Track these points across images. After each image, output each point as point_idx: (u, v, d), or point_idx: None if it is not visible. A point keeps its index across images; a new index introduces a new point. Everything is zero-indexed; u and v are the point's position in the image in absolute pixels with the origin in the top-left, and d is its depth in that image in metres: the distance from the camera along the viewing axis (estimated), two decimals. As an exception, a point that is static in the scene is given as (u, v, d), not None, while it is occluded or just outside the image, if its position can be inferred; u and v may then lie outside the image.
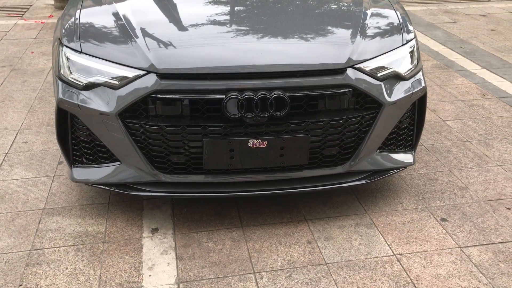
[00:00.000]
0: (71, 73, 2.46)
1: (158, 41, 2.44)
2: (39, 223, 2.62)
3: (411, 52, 2.67)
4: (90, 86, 2.40)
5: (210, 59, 2.37)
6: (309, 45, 2.53)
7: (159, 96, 2.31)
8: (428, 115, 3.89)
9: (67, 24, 2.66)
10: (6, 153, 3.27)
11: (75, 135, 2.54)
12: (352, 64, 2.44)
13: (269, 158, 2.40)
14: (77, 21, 2.63)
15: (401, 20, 2.80)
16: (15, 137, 3.46)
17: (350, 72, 2.42)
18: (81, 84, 2.42)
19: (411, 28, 2.80)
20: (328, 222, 2.66)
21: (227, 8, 2.85)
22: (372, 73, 2.47)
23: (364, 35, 2.59)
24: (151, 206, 2.75)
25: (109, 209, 2.74)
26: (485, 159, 3.28)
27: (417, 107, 2.71)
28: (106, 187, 2.55)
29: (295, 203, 2.79)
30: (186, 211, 2.72)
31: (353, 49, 2.48)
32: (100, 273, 2.29)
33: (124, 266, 2.33)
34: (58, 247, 2.45)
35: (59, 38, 2.65)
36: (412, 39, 2.72)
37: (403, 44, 2.65)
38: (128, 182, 2.51)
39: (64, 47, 2.53)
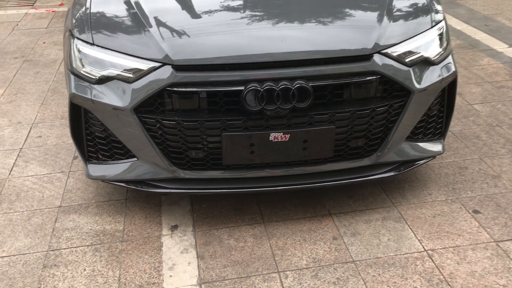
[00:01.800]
0: (83, 66, 2.36)
1: (173, 30, 2.31)
2: (55, 222, 2.55)
3: (440, 35, 2.51)
4: (103, 80, 2.30)
5: (228, 48, 2.24)
6: (333, 30, 2.38)
7: (175, 89, 2.19)
8: (454, 99, 3.72)
9: (78, 15, 2.55)
10: (21, 148, 3.20)
11: (90, 131, 2.45)
12: (379, 49, 2.29)
13: (291, 152, 2.28)
14: (88, 11, 2.51)
15: (428, 0, 2.63)
16: (29, 132, 3.39)
17: (377, 58, 2.28)
18: (94, 77, 2.31)
19: (439, 8, 2.63)
20: (354, 216, 2.54)
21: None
22: (400, 59, 2.32)
23: (391, 17, 2.44)
24: (169, 202, 2.66)
25: (127, 205, 2.65)
26: (517, 145, 3.13)
27: (447, 92, 2.56)
28: (123, 184, 2.46)
29: (318, 196, 2.67)
30: (205, 206, 2.63)
31: (380, 33, 2.33)
32: (119, 274, 2.21)
33: (144, 267, 2.25)
34: (75, 247, 2.38)
35: (70, 30, 2.54)
36: (441, 21, 2.55)
37: (431, 27, 2.48)
38: (145, 178, 2.41)
39: (76, 39, 2.42)
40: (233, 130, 2.22)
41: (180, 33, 2.31)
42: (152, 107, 2.25)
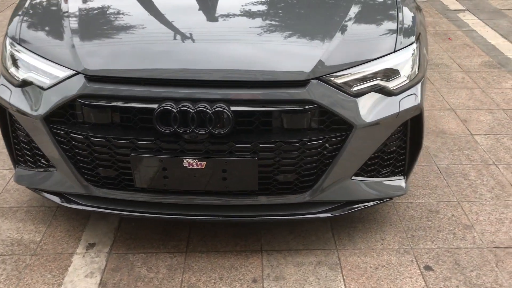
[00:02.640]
0: (11, 66, 2.23)
1: (92, 38, 2.14)
2: (-21, 224, 2.46)
3: (407, 61, 2.16)
4: (23, 84, 2.16)
5: (144, 61, 2.03)
6: (269, 48, 2.10)
7: (85, 101, 2.01)
8: (456, 127, 3.31)
9: (17, 12, 2.41)
10: (-18, 140, 3.15)
11: (16, 134, 2.33)
12: (319, 74, 2.00)
13: (209, 181, 2.05)
14: (24, 9, 2.38)
15: (400, 18, 2.28)
16: (-2, 122, 3.34)
17: (314, 84, 1.98)
18: (17, 80, 2.18)
19: (414, 28, 2.27)
20: (287, 256, 2.27)
21: (176, 3, 2.43)
22: (344, 87, 2.02)
23: (344, 36, 2.12)
24: (98, 216, 2.50)
25: (56, 214, 2.52)
26: (508, 190, 2.70)
27: (409, 128, 2.22)
28: (43, 194, 2.33)
29: (256, 228, 2.42)
30: (134, 225, 2.45)
31: (324, 55, 2.03)
32: (13, 293, 2.09)
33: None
34: (-15, 255, 2.28)
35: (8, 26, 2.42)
36: (410, 44, 2.19)
37: (395, 51, 2.14)
38: (63, 191, 2.27)
39: (7, 37, 2.30)
40: (143, 152, 2.01)
41: (97, 42, 2.13)
42: (63, 118, 2.08)
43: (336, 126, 2.03)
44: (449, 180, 2.78)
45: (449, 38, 4.94)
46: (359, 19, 2.23)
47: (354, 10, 2.27)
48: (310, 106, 1.98)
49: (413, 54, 2.20)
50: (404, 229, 2.43)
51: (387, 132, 2.14)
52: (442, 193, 2.68)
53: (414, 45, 2.21)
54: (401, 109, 2.11)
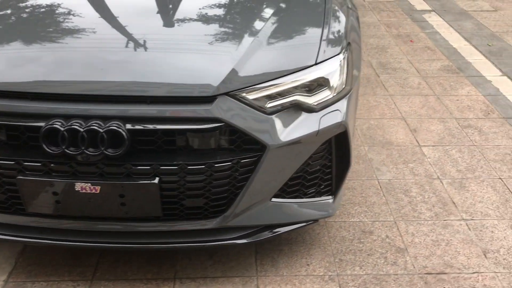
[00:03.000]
0: None
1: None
2: None
3: (331, 74, 1.98)
4: None
5: (32, 72, 1.82)
6: (172, 58, 1.89)
7: (-35, 117, 1.80)
8: (404, 137, 3.15)
9: None
10: None
11: None
12: (228, 89, 1.80)
13: (106, 206, 1.85)
14: None
15: (327, 26, 2.09)
16: None
17: (222, 100, 1.79)
18: None
19: (341, 37, 2.10)
20: (201, 285, 2.08)
21: (79, 9, 2.20)
22: (256, 104, 1.83)
23: (259, 46, 1.93)
24: (2, 238, 2.29)
25: (-44, 236, 2.30)
26: (450, 208, 2.55)
27: (334, 145, 2.04)
28: None
29: (172, 253, 2.23)
30: (40, 249, 2.24)
31: (235, 67, 1.84)
32: None
33: None
34: None
35: None
36: (336, 55, 2.01)
37: (316, 63, 1.96)
38: (-45, 214, 2.05)
39: None
40: (31, 174, 1.81)
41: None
42: None
43: (248, 146, 1.85)
44: (389, 196, 2.62)
45: (411, 41, 4.78)
46: (279, 26, 2.05)
47: (274, 17, 2.09)
48: (217, 125, 1.79)
49: (340, 65, 2.02)
50: (333, 252, 2.26)
51: (308, 151, 1.96)
52: (379, 211, 2.51)
53: (341, 56, 2.03)
54: (321, 127, 1.93)
